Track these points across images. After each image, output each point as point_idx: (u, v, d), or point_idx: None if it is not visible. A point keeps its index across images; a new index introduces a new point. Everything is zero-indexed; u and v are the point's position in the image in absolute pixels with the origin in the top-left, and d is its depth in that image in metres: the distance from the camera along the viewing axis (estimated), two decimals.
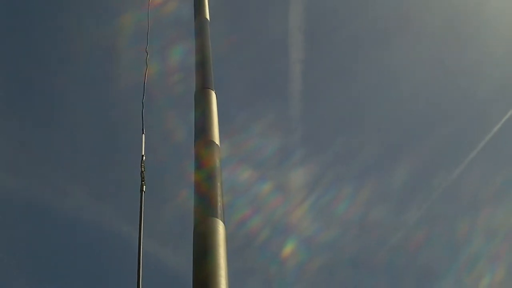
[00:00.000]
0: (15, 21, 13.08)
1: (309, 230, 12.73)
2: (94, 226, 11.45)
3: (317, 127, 14.24)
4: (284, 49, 13.51)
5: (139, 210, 4.41)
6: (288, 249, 12.27)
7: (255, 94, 13.60)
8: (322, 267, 12.44)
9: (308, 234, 12.66)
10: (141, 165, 4.71)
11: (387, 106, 14.56)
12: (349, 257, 12.85)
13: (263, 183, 12.36)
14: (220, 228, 3.70)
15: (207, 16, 5.85)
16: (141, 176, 4.63)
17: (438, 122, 14.50)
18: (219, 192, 3.98)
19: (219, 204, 3.89)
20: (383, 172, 14.03)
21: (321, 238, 12.67)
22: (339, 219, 12.84)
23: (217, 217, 3.76)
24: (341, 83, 14.54)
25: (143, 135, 5.03)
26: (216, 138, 4.45)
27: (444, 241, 13.05)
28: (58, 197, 11.71)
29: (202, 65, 5.23)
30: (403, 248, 12.84)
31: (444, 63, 14.83)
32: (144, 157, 4.79)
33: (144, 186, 4.54)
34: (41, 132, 12.40)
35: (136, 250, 4.10)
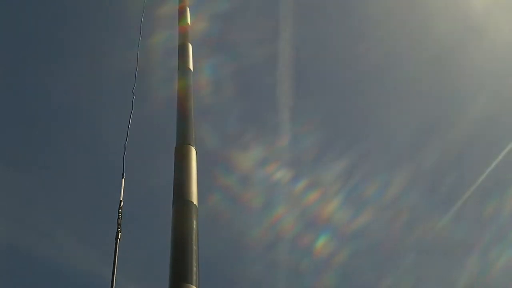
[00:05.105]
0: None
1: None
2: (78, 270, 11.30)
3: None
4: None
5: (112, 258, 4.10)
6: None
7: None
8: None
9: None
10: (118, 211, 4.36)
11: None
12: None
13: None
14: None
15: (191, 66, 5.79)
16: (117, 223, 4.29)
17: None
18: (194, 256, 3.97)
19: (194, 269, 3.89)
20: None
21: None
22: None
23: (191, 283, 3.80)
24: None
25: (123, 179, 4.71)
26: (194, 198, 4.40)
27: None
28: (42, 241, 11.47)
29: (182, 119, 5.12)
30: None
31: None
32: (122, 203, 4.45)
33: (120, 234, 4.25)
34: (26, 175, 12.25)
35: None
